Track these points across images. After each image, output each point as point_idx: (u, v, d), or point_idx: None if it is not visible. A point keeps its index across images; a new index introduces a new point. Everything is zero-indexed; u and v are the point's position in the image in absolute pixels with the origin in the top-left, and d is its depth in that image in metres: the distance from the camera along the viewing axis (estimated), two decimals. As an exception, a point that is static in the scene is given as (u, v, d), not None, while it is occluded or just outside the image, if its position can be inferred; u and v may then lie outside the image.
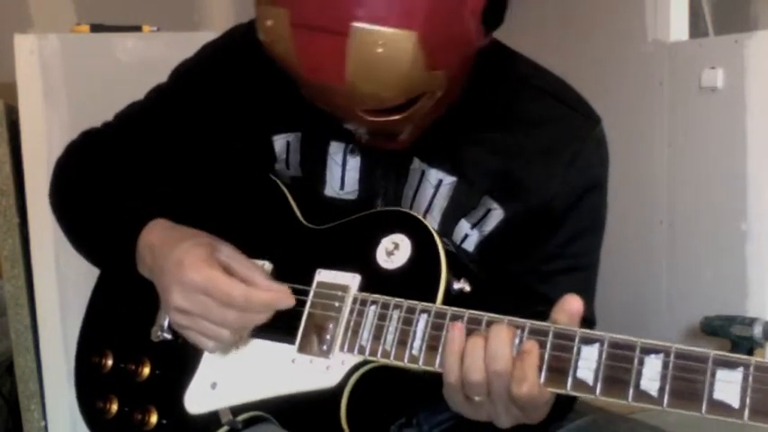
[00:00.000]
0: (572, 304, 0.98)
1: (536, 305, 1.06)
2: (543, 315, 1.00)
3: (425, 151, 1.27)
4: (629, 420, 1.29)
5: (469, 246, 1.28)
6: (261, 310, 1.14)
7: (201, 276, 1.13)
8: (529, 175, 1.24)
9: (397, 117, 1.13)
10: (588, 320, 1.16)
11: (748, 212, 2.87)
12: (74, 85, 2.25)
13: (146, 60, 2.28)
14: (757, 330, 2.67)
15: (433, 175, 1.27)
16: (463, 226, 1.27)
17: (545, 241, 1.26)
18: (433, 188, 1.27)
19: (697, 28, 3.23)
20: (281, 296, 1.15)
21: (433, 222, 1.25)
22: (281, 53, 1.09)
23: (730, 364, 0.86)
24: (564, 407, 1.13)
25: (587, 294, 1.25)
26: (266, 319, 1.15)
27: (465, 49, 1.12)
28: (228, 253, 1.19)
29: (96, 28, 2.34)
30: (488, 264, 1.26)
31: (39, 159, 2.21)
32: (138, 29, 2.35)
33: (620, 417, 1.29)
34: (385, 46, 1.02)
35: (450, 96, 1.19)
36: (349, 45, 1.02)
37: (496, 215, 1.26)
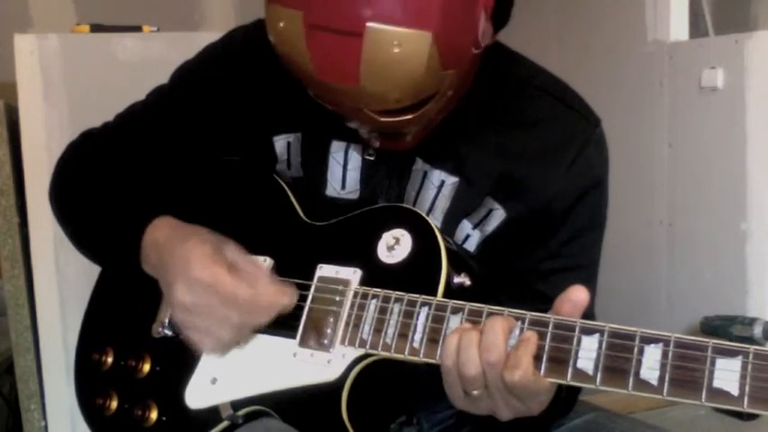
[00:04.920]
0: (578, 294, 0.98)
1: (536, 303, 1.06)
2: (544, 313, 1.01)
3: (428, 152, 1.27)
4: (628, 419, 1.29)
5: (471, 246, 1.28)
6: (264, 310, 1.14)
7: (208, 274, 1.13)
8: (530, 175, 1.25)
9: (408, 117, 1.13)
10: (589, 318, 1.16)
11: (748, 212, 2.88)
12: (74, 85, 2.25)
13: (146, 60, 2.28)
14: (757, 330, 2.68)
15: (436, 175, 1.27)
16: (465, 226, 1.28)
17: (545, 240, 1.27)
18: (436, 189, 1.27)
19: (697, 28, 3.24)
20: (284, 298, 1.15)
21: (435, 223, 1.25)
22: (292, 55, 1.08)
23: (730, 353, 0.87)
24: (566, 402, 1.13)
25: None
26: (268, 320, 1.15)
27: (475, 47, 1.12)
28: (234, 252, 1.18)
29: (96, 28, 2.35)
30: (489, 262, 1.26)
31: (39, 159, 2.22)
32: (138, 29, 2.35)
33: (620, 416, 1.29)
34: (400, 46, 1.02)
35: (457, 96, 1.19)
36: (364, 46, 1.02)
37: (498, 215, 1.27)
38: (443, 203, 1.27)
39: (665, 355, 0.90)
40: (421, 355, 1.05)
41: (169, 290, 1.17)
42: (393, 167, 1.29)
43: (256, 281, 1.15)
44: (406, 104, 1.11)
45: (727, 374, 0.86)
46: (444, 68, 1.07)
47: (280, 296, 1.15)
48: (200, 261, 1.14)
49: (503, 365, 0.96)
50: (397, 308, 1.08)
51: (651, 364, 0.90)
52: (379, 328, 1.09)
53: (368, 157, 1.27)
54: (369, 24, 1.01)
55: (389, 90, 1.07)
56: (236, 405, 1.19)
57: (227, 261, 1.15)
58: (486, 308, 1.02)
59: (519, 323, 0.99)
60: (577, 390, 1.09)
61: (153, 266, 1.22)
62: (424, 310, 1.06)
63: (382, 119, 1.12)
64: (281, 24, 1.07)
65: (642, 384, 0.90)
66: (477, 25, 1.09)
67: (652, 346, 0.91)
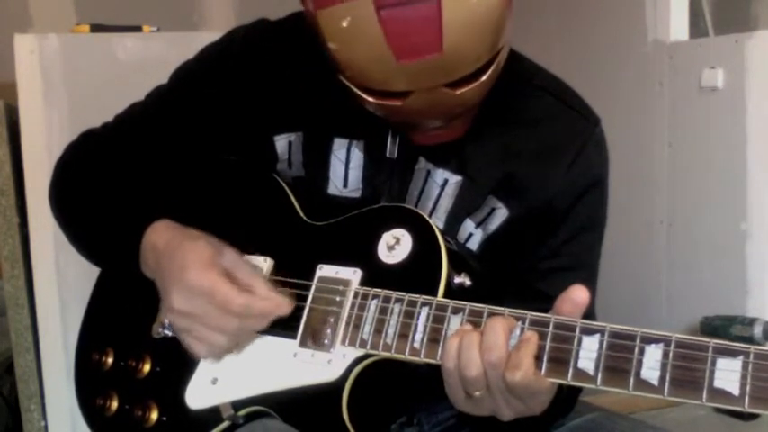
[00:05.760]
0: (578, 294, 0.98)
1: (536, 303, 1.06)
2: (544, 312, 1.01)
3: (431, 151, 1.27)
4: (629, 419, 1.28)
5: (473, 245, 1.28)
6: (258, 319, 1.14)
7: (204, 281, 1.12)
8: (531, 174, 1.25)
9: (481, 80, 1.13)
10: (589, 317, 1.16)
11: (748, 212, 2.88)
12: (74, 85, 2.25)
13: (146, 60, 2.28)
14: (757, 330, 2.68)
15: (439, 174, 1.27)
16: (468, 225, 1.28)
17: (546, 239, 1.27)
18: (439, 188, 1.27)
19: (697, 28, 3.24)
20: (280, 305, 1.15)
21: (438, 222, 1.25)
22: (363, 50, 1.08)
23: (730, 353, 0.87)
24: (567, 402, 1.13)
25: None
26: (264, 326, 1.15)
27: None
28: (231, 258, 1.18)
29: (96, 28, 2.34)
30: (490, 261, 1.26)
31: (39, 159, 2.21)
32: (138, 29, 2.35)
33: (620, 416, 1.29)
34: None
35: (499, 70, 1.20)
36: (443, 4, 1.03)
37: (501, 214, 1.27)
38: (447, 202, 1.27)
39: (665, 355, 0.90)
40: (421, 356, 1.04)
41: (166, 295, 1.17)
42: (396, 166, 1.29)
43: (253, 288, 1.15)
44: (484, 62, 1.11)
45: (728, 374, 0.86)
46: (509, 12, 1.10)
47: (275, 305, 1.15)
48: (197, 267, 1.14)
49: (504, 366, 0.96)
50: (397, 308, 1.08)
51: (652, 364, 0.90)
52: (379, 329, 1.09)
53: (390, 157, 1.27)
54: None
55: (472, 47, 1.08)
56: (237, 405, 1.19)
57: (223, 267, 1.15)
58: (486, 308, 1.02)
59: (520, 323, 0.99)
60: (578, 390, 1.09)
61: (151, 270, 1.22)
62: (425, 311, 1.06)
63: (458, 91, 1.12)
64: (346, 22, 1.07)
65: (643, 384, 0.90)
66: None
67: (653, 345, 0.91)
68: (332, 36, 1.10)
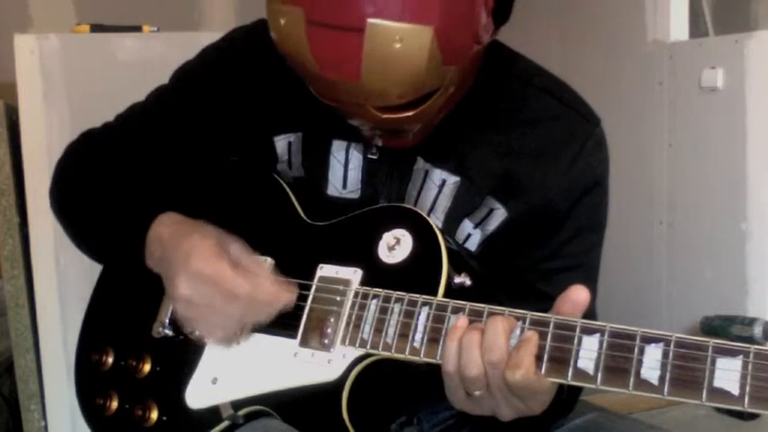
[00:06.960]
0: (578, 294, 0.98)
1: (537, 303, 1.06)
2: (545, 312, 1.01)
3: (429, 151, 1.27)
4: (629, 419, 1.29)
5: (472, 245, 1.28)
6: (264, 306, 1.15)
7: (209, 268, 1.13)
8: (530, 174, 1.25)
9: (409, 113, 1.13)
10: (590, 317, 1.16)
11: (748, 212, 2.88)
12: (74, 85, 2.25)
13: (145, 60, 2.27)
14: (757, 330, 2.68)
15: (437, 175, 1.27)
16: (466, 226, 1.28)
17: (546, 240, 1.26)
18: (437, 188, 1.27)
19: (697, 28, 3.24)
20: (284, 295, 1.15)
21: (436, 222, 1.25)
22: (294, 51, 1.09)
23: (730, 352, 0.87)
24: (567, 402, 1.13)
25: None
26: (269, 316, 1.15)
27: (477, 44, 1.12)
28: (237, 248, 1.19)
29: (96, 28, 2.34)
30: (490, 262, 1.26)
31: (39, 159, 2.21)
32: (138, 29, 2.35)
33: (620, 416, 1.29)
34: (402, 41, 1.02)
35: (460, 94, 1.19)
36: (365, 42, 1.02)
37: (499, 215, 1.27)
38: (445, 203, 1.27)
39: (665, 354, 0.90)
40: (421, 355, 1.05)
41: (171, 283, 1.17)
42: (394, 167, 1.29)
43: (258, 278, 1.15)
44: (407, 100, 1.11)
45: (728, 374, 0.86)
46: (446, 64, 1.08)
47: (280, 294, 1.15)
48: (203, 255, 1.14)
49: (505, 365, 0.96)
50: (397, 308, 1.08)
51: (652, 363, 0.90)
52: (379, 328, 1.09)
53: (371, 156, 1.27)
54: (370, 20, 1.01)
55: (391, 86, 1.07)
56: (237, 405, 1.19)
57: (230, 257, 1.16)
58: (486, 308, 1.02)
59: (520, 323, 0.99)
60: (578, 389, 1.09)
61: (156, 261, 1.22)
62: (425, 310, 1.06)
63: (384, 115, 1.12)
64: (283, 21, 1.07)
65: (643, 384, 0.90)
66: (477, 21, 1.09)
67: (652, 345, 0.91)
68: (273, 28, 1.11)
